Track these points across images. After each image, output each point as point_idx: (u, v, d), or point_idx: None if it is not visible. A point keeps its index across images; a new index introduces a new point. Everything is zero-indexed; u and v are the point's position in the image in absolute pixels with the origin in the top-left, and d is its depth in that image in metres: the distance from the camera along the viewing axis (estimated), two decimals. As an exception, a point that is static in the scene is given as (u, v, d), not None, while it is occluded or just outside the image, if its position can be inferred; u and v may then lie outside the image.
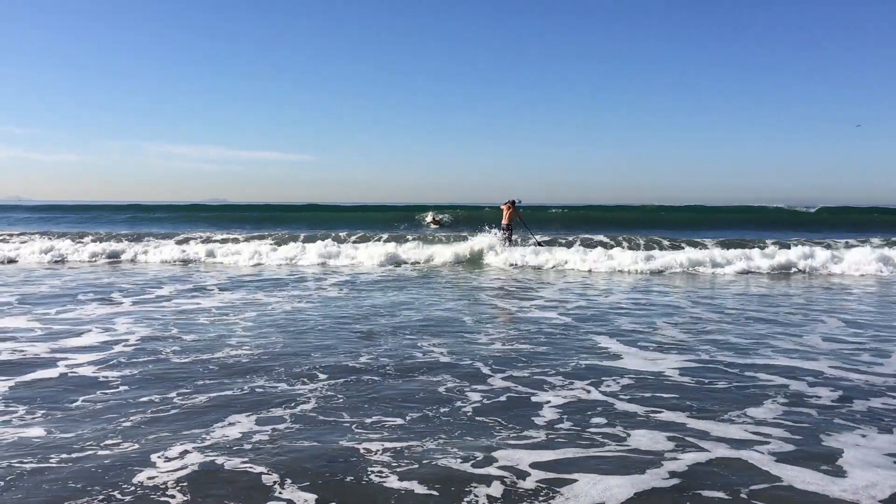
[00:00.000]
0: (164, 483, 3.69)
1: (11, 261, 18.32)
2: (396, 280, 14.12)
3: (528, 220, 20.85)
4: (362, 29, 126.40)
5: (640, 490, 3.60)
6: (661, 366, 6.52)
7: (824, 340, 7.86)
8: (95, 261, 18.44)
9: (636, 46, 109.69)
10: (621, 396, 5.44)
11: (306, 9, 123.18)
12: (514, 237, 19.61)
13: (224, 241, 21.31)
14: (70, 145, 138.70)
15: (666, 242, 20.17)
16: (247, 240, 21.38)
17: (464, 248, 18.18)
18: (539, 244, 19.55)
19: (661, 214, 33.88)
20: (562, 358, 6.81)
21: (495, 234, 19.28)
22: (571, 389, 5.61)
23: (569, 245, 19.04)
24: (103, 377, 5.96)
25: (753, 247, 18.68)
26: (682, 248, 18.87)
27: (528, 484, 3.70)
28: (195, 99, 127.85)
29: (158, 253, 18.61)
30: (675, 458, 4.09)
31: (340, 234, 22.62)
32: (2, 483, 3.69)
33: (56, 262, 18.11)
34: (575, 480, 3.75)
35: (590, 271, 16.32)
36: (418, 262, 17.52)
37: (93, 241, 21.40)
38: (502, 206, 19.97)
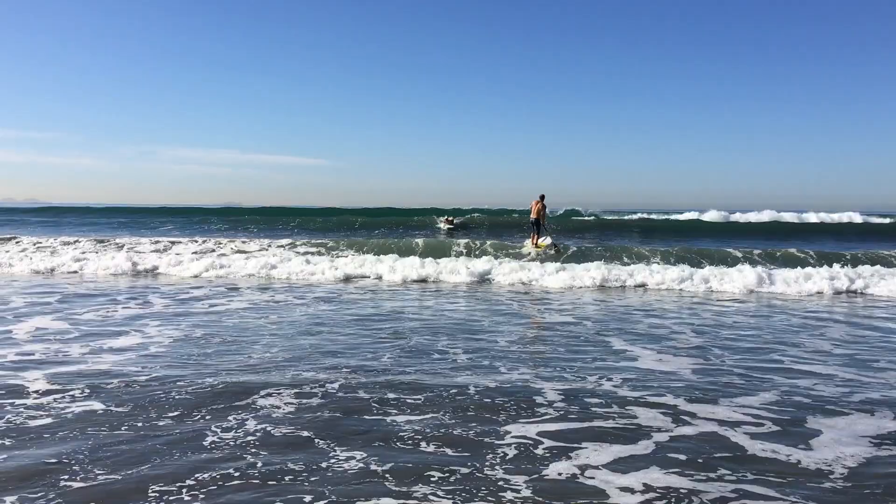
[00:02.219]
0: (234, 444, 4.72)
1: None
2: (431, 289, 15.04)
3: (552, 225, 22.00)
4: (377, 33, 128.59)
5: (620, 455, 4.59)
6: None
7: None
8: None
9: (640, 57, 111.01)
10: (625, 387, 6.26)
11: (321, 13, 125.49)
12: (542, 235, 21.04)
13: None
14: (85, 149, 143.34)
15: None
16: (291, 247, 22.07)
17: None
18: (556, 247, 20.71)
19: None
20: (575, 356, 7.61)
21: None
22: (581, 382, 6.46)
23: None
24: (141, 368, 7.02)
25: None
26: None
27: (537, 449, 4.69)
28: (209, 103, 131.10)
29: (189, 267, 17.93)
30: (662, 431, 5.07)
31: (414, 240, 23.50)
32: (89, 444, 4.62)
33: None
34: (578, 448, 4.69)
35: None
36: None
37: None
38: (532, 205, 21.32)
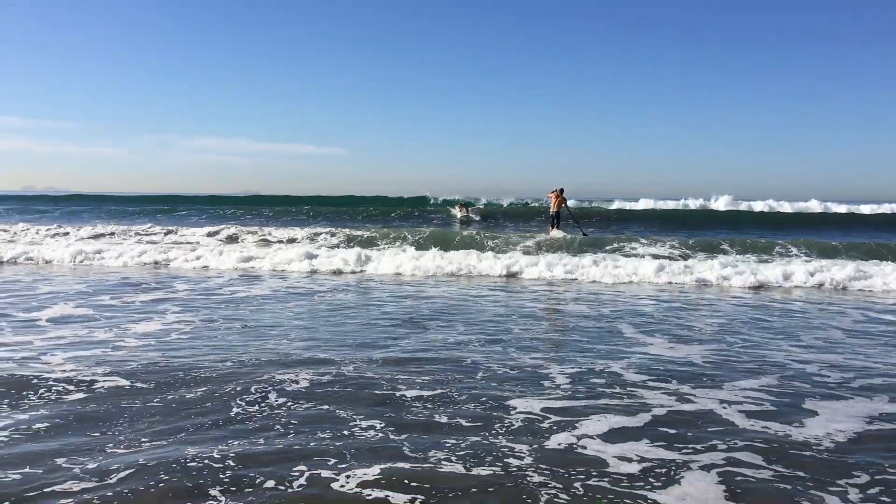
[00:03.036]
0: (260, 416, 5.27)
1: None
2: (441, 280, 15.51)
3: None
4: (395, 22, 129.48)
5: (619, 428, 5.08)
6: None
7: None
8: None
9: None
10: (632, 370, 6.72)
11: (337, 2, 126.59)
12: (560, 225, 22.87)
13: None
14: (102, 138, 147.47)
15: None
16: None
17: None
18: (585, 235, 21.97)
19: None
20: (587, 342, 8.05)
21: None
22: (590, 366, 6.95)
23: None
24: (164, 351, 7.62)
25: None
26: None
27: (543, 423, 5.19)
28: (225, 92, 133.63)
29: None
30: (661, 407, 5.53)
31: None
32: (125, 416, 5.14)
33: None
34: (579, 421, 5.16)
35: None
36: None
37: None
38: (549, 195, 23.21)
